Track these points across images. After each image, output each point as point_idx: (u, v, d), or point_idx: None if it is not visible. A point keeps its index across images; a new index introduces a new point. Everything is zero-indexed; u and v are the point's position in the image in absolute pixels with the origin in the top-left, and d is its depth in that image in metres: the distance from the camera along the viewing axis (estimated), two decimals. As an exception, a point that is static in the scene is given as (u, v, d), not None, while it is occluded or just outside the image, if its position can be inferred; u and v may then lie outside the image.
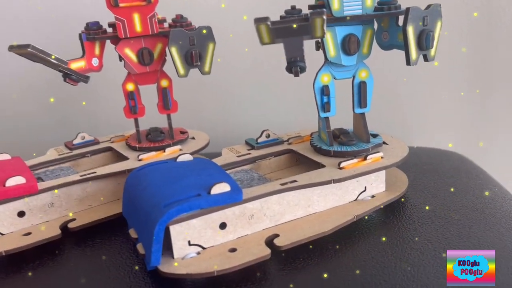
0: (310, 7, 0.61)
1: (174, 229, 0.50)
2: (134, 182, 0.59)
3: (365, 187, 0.61)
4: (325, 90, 0.63)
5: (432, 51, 0.60)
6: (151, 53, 0.70)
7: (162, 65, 0.72)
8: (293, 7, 0.59)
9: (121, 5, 0.65)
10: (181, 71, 0.68)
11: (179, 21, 0.70)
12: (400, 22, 0.61)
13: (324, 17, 0.45)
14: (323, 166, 0.61)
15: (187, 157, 0.62)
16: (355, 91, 0.64)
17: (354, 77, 0.64)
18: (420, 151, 0.84)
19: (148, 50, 0.69)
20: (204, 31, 0.67)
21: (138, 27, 0.67)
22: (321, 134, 0.67)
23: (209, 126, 0.98)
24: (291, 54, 0.54)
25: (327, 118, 0.65)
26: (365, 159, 0.61)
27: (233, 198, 0.52)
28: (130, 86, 0.72)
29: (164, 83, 0.73)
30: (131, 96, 0.72)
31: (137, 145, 0.73)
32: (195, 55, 0.67)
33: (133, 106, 0.73)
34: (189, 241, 0.51)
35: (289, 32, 0.48)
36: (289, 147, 0.69)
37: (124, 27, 0.66)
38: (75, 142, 0.76)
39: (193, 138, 0.78)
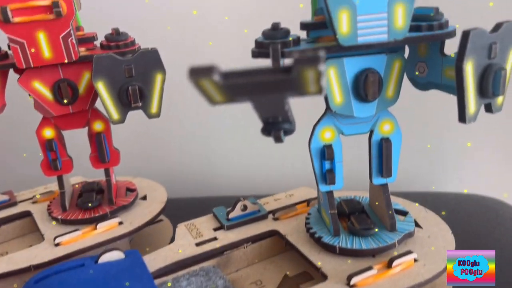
0: (303, 26, 0.39)
1: None
2: (25, 304, 0.37)
3: (389, 307, 0.39)
4: (327, 153, 0.40)
5: (500, 99, 0.37)
6: (73, 86, 0.48)
7: (93, 101, 0.50)
8: (275, 27, 0.37)
9: (15, 20, 0.42)
10: (114, 115, 0.46)
11: (114, 39, 0.48)
12: (448, 49, 0.39)
13: (321, 66, 0.23)
14: (324, 277, 0.39)
15: (115, 255, 0.41)
16: (373, 152, 0.42)
17: (372, 131, 0.42)
18: (461, 200, 0.62)
19: (68, 82, 0.47)
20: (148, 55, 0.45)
21: (46, 52, 0.44)
22: (322, 211, 0.45)
23: (174, 174, 0.77)
24: (267, 113, 0.32)
25: (330, 193, 0.42)
26: (389, 266, 0.39)
27: None
28: (48, 133, 0.50)
29: (97, 126, 0.51)
30: (49, 147, 0.50)
31: (59, 216, 0.51)
32: (133, 93, 0.45)
33: (53, 159, 0.51)
34: None
35: (256, 89, 0.26)
36: (274, 225, 0.47)
37: (25, 52, 0.44)
38: (-21, 205, 0.55)
39: (145, 197, 0.56)
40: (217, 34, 0.68)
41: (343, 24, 0.33)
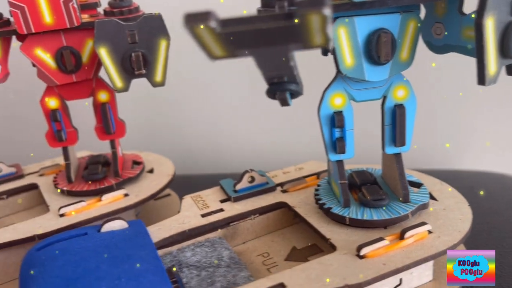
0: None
1: None
2: (26, 271, 0.37)
3: (401, 280, 0.38)
4: (337, 120, 0.39)
5: (524, 60, 0.35)
6: (76, 54, 0.46)
7: (97, 70, 0.49)
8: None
9: (15, -17, 0.41)
10: (118, 83, 0.45)
11: (118, 5, 0.46)
12: (467, 8, 0.36)
13: (326, 11, 0.21)
14: (332, 247, 0.38)
15: (118, 225, 0.40)
16: (386, 120, 0.40)
17: (385, 97, 0.40)
18: (478, 178, 0.60)
19: (71, 50, 0.46)
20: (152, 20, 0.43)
21: (47, 17, 0.43)
22: (332, 183, 0.43)
23: (181, 150, 0.75)
24: (271, 72, 0.30)
25: (340, 163, 0.41)
26: (401, 237, 0.37)
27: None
28: (53, 103, 0.49)
29: (102, 96, 0.50)
30: (53, 117, 0.49)
31: (64, 188, 0.50)
32: (136, 60, 0.44)
33: (58, 130, 0.50)
34: None
35: (257, 39, 0.24)
36: (283, 197, 0.46)
37: (26, 17, 0.43)
38: (-14, 176, 0.55)
39: (151, 171, 0.55)
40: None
41: (353, -23, 0.31)
